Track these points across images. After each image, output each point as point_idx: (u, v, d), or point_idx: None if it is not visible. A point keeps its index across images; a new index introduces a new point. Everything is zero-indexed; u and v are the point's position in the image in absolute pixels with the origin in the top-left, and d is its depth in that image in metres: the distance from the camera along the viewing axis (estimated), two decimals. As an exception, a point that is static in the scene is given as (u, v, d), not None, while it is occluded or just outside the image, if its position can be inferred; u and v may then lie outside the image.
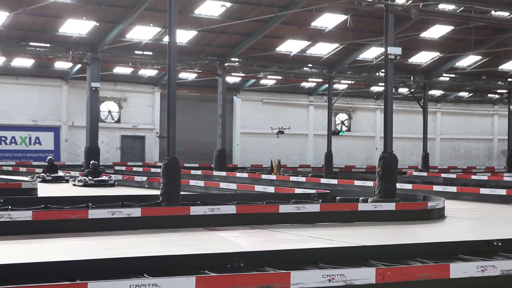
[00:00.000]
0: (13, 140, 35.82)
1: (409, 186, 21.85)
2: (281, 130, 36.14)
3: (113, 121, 38.42)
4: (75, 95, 36.70)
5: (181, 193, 15.25)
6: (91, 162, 25.63)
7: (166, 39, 17.64)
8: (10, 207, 12.77)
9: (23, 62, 33.83)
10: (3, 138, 35.54)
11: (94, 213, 12.16)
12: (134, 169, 31.65)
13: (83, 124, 32.76)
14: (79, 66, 33.79)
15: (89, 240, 10.96)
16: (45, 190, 20.06)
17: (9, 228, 11.07)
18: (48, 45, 30.60)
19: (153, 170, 29.37)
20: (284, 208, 13.84)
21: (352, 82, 39.79)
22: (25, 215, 11.48)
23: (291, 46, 34.27)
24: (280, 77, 38.55)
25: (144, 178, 24.09)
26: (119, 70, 36.18)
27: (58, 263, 7.49)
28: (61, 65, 34.65)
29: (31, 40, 30.15)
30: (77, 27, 29.55)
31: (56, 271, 6.93)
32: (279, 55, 34.96)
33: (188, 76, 37.68)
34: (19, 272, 6.84)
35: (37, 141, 36.46)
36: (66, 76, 36.33)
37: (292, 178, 25.16)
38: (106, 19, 29.00)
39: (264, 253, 8.37)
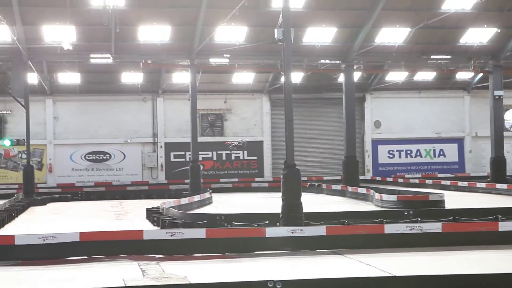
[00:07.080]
0: (418, 153, 36.66)
1: None
2: (237, 144, 31.82)
3: (521, 129, 36.94)
4: (477, 105, 36.18)
5: None
6: None
7: None
8: (419, 219, 13.03)
9: (425, 75, 34.46)
10: (408, 152, 36.61)
11: (505, 225, 11.78)
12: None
13: (486, 134, 32.12)
14: (480, 75, 33.27)
15: (498, 252, 10.64)
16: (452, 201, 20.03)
17: (419, 240, 11.31)
18: (448, 56, 30.71)
19: None
20: None
21: None
22: (434, 227, 11.61)
23: None
24: None
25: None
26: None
27: (469, 276, 7.37)
28: (462, 75, 34.54)
29: (432, 53, 30.53)
30: (477, 35, 29.23)
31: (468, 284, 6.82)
32: None
33: None
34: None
35: (441, 153, 36.78)
36: (468, 86, 36.03)
37: None
38: (508, 25, 28.12)
39: None
